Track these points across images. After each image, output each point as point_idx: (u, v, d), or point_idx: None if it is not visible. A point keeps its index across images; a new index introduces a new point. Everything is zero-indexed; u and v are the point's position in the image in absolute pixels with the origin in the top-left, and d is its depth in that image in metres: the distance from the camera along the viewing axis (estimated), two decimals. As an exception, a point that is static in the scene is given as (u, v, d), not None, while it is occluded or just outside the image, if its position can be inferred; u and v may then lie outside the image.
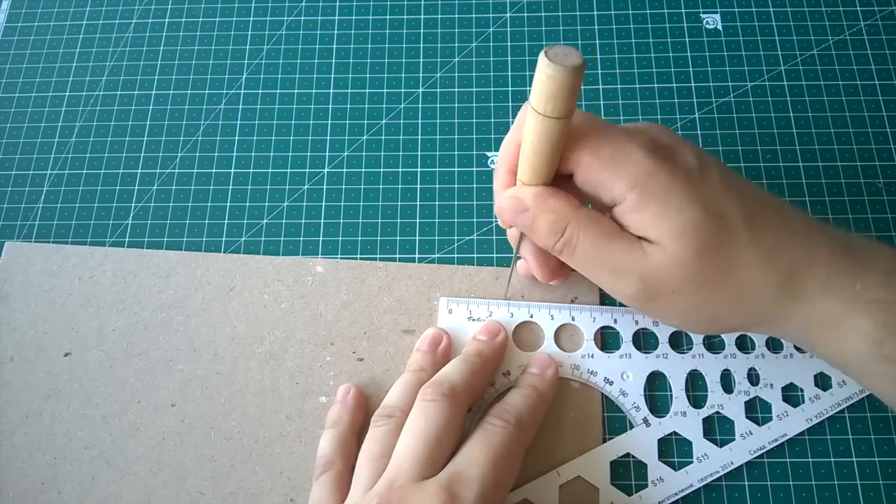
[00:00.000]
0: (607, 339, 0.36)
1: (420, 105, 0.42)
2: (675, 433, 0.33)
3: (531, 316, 0.35)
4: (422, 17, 0.44)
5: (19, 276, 0.38)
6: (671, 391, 0.34)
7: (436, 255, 0.38)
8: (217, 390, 0.35)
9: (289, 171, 0.41)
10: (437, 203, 0.39)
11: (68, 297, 0.37)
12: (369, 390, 0.35)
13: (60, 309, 0.37)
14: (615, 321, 0.35)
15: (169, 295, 0.37)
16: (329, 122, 0.42)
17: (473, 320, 0.35)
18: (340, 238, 0.39)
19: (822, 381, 0.34)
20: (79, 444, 0.34)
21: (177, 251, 0.38)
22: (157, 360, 0.36)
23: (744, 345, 0.35)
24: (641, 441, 0.33)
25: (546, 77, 0.23)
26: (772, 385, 0.34)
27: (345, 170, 0.40)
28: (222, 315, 0.37)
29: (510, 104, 0.42)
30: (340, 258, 0.38)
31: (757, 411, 0.34)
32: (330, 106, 0.42)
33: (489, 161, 0.40)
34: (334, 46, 0.44)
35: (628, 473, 0.33)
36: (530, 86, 0.42)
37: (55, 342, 0.36)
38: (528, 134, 0.25)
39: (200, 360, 0.36)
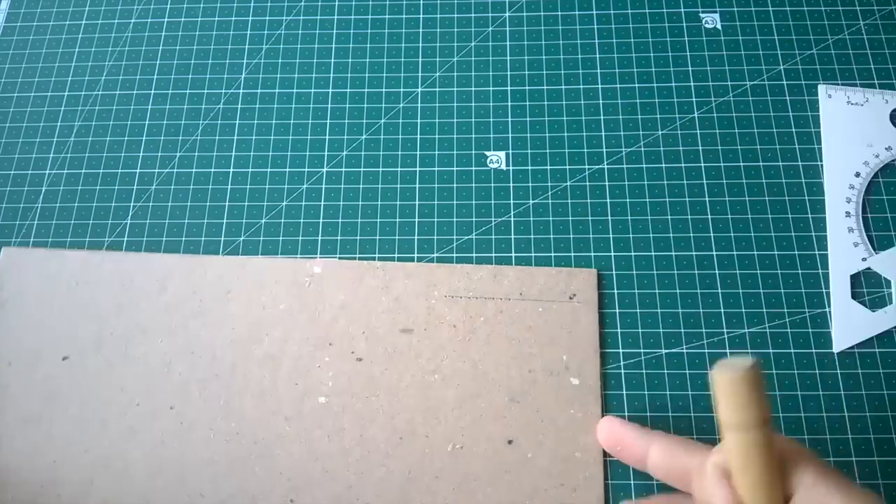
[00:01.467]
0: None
1: (419, 105, 0.42)
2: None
3: None
4: (420, 16, 0.44)
5: (16, 281, 0.38)
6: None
7: (434, 255, 0.38)
8: (216, 392, 0.35)
9: (287, 170, 0.40)
10: (435, 202, 0.39)
11: (66, 302, 0.37)
12: (368, 390, 0.35)
13: (58, 313, 0.37)
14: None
15: (166, 298, 0.37)
16: (328, 121, 0.42)
17: None
18: (339, 237, 0.39)
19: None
20: (78, 447, 0.34)
21: (174, 254, 0.38)
22: (155, 363, 0.36)
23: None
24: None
25: (719, 385, 0.23)
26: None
27: (343, 169, 0.40)
28: (220, 317, 0.36)
29: (509, 104, 0.42)
30: (339, 258, 0.38)
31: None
32: (329, 105, 0.42)
33: (488, 161, 0.40)
34: (333, 46, 0.44)
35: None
36: (530, 85, 0.42)
37: (53, 346, 0.36)
38: (730, 458, 0.24)
39: (199, 362, 0.36)
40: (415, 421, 0.34)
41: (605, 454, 0.33)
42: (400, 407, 0.34)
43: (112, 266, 0.38)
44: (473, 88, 0.42)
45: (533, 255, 0.38)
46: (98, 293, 0.37)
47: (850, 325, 0.36)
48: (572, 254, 0.38)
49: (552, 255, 0.38)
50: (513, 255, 0.38)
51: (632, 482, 0.33)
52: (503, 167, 0.40)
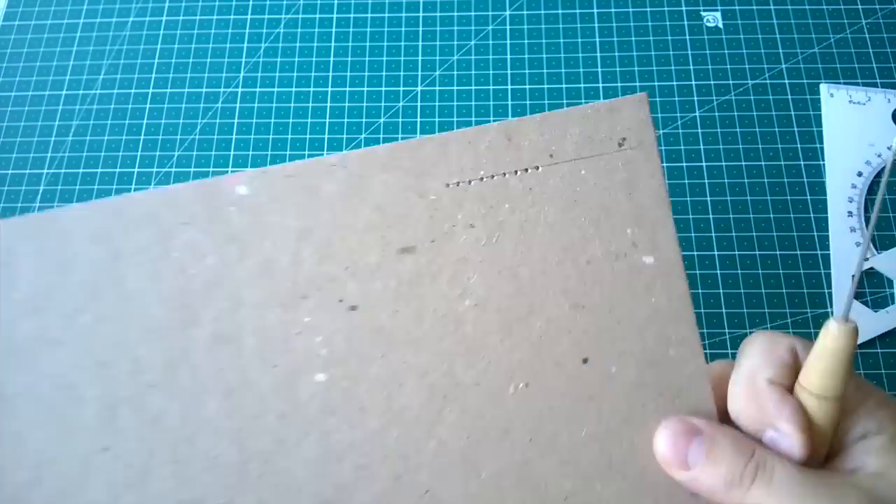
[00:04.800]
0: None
1: (419, 103, 0.42)
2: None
3: None
4: (420, 15, 0.44)
5: None
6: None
7: (434, 255, 0.38)
8: (161, 409, 0.24)
9: (286, 169, 0.40)
10: (435, 202, 0.39)
11: None
12: (379, 346, 0.24)
13: None
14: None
15: (23, 290, 0.24)
16: (327, 120, 0.41)
17: None
18: (338, 237, 0.38)
19: None
20: None
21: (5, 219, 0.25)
22: (48, 393, 0.23)
23: None
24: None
25: (826, 342, 0.21)
26: None
27: (343, 169, 0.40)
28: (120, 298, 0.24)
29: (509, 103, 0.41)
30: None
31: None
32: (328, 104, 0.42)
33: (488, 160, 0.40)
34: (332, 44, 0.44)
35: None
36: (530, 83, 0.42)
37: None
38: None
39: (117, 373, 0.24)
40: (455, 369, 0.25)
41: (702, 342, 0.26)
42: (431, 357, 0.24)
43: None
44: (473, 87, 0.42)
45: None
46: None
47: (852, 326, 0.36)
48: (573, 254, 0.38)
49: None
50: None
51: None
52: (503, 166, 0.40)
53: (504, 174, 0.25)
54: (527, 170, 0.26)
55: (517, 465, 0.24)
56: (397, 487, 0.24)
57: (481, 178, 0.25)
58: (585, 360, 0.25)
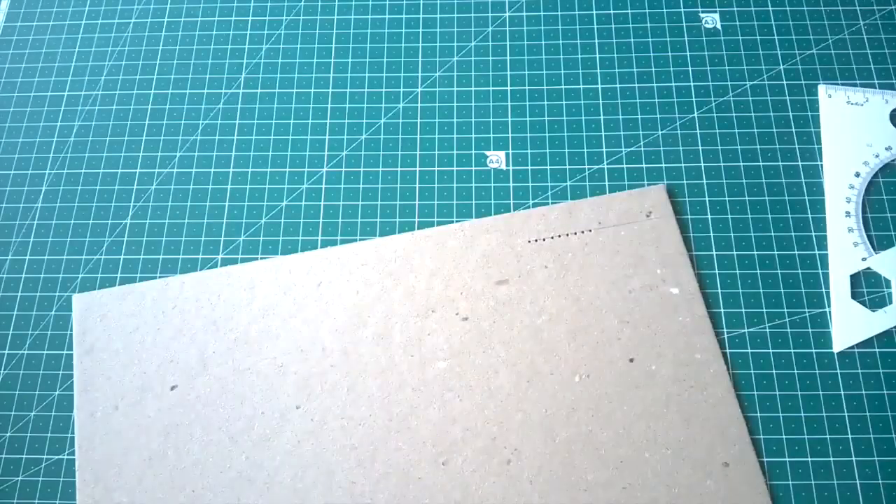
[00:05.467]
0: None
1: (419, 104, 0.42)
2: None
3: None
4: (420, 16, 0.44)
5: (98, 326, 0.37)
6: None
7: (434, 255, 0.38)
8: (337, 382, 0.35)
9: (287, 170, 0.40)
10: (435, 202, 0.39)
11: (157, 333, 0.37)
12: (482, 345, 0.35)
13: (152, 346, 0.36)
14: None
15: (259, 304, 0.37)
16: (328, 121, 0.42)
17: None
18: (339, 237, 0.39)
19: None
20: (212, 470, 0.34)
21: (254, 262, 0.38)
22: (267, 369, 0.36)
23: None
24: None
25: None
26: None
27: (343, 169, 0.40)
28: (318, 311, 0.37)
29: (509, 103, 0.42)
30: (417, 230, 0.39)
31: None
32: (329, 105, 0.42)
33: (488, 160, 0.40)
34: (333, 46, 0.44)
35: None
36: (530, 84, 0.42)
37: (157, 379, 0.36)
38: None
39: (310, 358, 0.36)
40: (536, 363, 0.35)
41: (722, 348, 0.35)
42: (518, 354, 0.35)
43: (194, 287, 0.38)
44: (473, 88, 0.42)
45: (533, 254, 0.38)
46: (188, 316, 0.37)
47: (849, 325, 0.36)
48: (572, 254, 0.38)
49: (552, 254, 0.38)
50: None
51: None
52: (503, 167, 0.40)
53: (567, 234, 0.37)
54: (583, 232, 0.37)
55: (583, 434, 0.34)
56: (494, 446, 0.34)
57: (552, 237, 0.37)
58: (632, 360, 0.35)
